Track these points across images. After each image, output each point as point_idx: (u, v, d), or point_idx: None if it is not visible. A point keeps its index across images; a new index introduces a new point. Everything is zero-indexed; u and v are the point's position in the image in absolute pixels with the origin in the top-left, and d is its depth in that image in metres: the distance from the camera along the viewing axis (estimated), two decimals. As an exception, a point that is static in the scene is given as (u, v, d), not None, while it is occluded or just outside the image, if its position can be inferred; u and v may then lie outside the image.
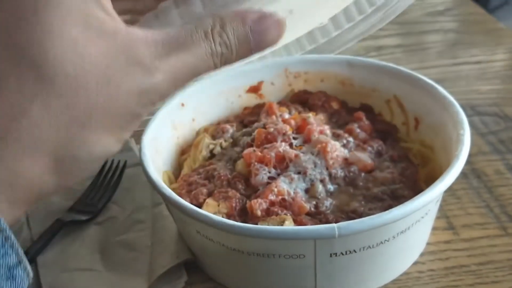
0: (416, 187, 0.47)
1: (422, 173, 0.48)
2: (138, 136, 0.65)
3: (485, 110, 0.65)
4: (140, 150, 0.47)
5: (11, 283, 0.26)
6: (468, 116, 0.63)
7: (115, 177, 0.57)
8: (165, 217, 0.52)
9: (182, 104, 0.56)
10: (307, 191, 0.45)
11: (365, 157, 0.48)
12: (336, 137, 0.50)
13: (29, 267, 0.27)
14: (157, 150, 0.51)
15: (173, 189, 0.49)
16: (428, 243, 0.47)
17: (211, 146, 0.52)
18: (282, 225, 0.41)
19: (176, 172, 0.54)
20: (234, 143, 0.53)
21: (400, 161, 0.48)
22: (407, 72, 0.54)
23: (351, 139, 0.50)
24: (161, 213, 0.52)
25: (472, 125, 0.62)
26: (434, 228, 0.48)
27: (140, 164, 0.47)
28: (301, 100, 0.60)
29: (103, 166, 0.58)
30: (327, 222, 0.42)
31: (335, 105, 0.58)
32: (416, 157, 0.50)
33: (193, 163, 0.53)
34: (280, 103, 0.58)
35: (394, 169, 0.47)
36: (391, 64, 0.56)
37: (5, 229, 0.25)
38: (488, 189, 0.54)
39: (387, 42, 0.86)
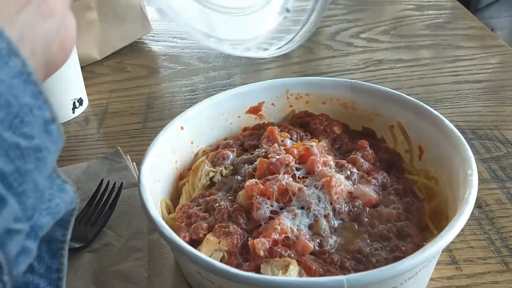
0: (421, 223, 0.46)
1: (427, 208, 0.47)
2: (133, 152, 0.65)
3: (485, 134, 0.65)
4: (138, 180, 0.46)
5: (48, 137, 0.26)
6: (468, 140, 0.63)
7: (110, 199, 0.55)
8: (163, 245, 0.50)
9: (182, 128, 0.54)
10: (310, 227, 0.44)
11: (370, 191, 0.47)
12: (340, 167, 0.49)
13: (62, 129, 0.28)
14: (155, 179, 0.49)
15: (172, 219, 0.48)
16: (431, 279, 0.47)
17: (211, 174, 0.51)
18: (286, 269, 0.39)
19: (174, 198, 0.53)
20: (235, 170, 0.52)
21: (405, 195, 0.48)
22: (411, 101, 0.53)
23: (355, 170, 0.49)
24: (158, 241, 0.51)
25: (472, 149, 0.62)
26: (438, 263, 0.47)
27: (137, 185, 0.45)
28: (302, 122, 0.59)
29: (99, 186, 0.57)
30: (332, 263, 0.41)
31: (337, 130, 0.57)
32: (421, 190, 0.49)
33: (191, 190, 0.52)
34: (281, 126, 0.57)
35: (399, 204, 0.46)
36: (395, 91, 0.55)
37: (38, 83, 0.26)
38: (489, 220, 0.53)
39: (386, 55, 0.85)
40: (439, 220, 0.47)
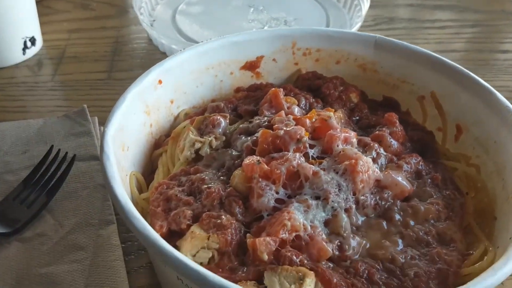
0: (463, 223, 0.36)
1: (470, 204, 0.38)
2: (94, 108, 0.52)
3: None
4: (100, 147, 0.34)
5: None
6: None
7: (57, 174, 0.43)
8: (113, 247, 0.39)
9: (160, 82, 0.42)
10: (327, 223, 0.34)
11: (403, 180, 0.36)
12: (363, 146, 0.39)
13: None
14: (124, 145, 0.38)
15: (144, 201, 0.37)
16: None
17: (197, 145, 0.39)
18: (301, 284, 0.29)
19: (147, 171, 0.42)
20: (228, 142, 0.40)
21: (444, 187, 0.38)
22: (453, 66, 0.43)
23: (382, 151, 0.39)
24: (109, 240, 0.39)
25: None
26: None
27: (97, 158, 0.37)
28: (311, 86, 0.47)
29: (46, 156, 0.44)
30: (357, 274, 0.31)
31: (354, 97, 0.46)
32: (461, 180, 0.39)
33: (170, 163, 0.41)
34: (285, 89, 0.46)
35: (438, 198, 0.36)
36: (432, 53, 0.44)
37: None
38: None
39: (399, 13, 0.74)
40: (483, 219, 0.38)
